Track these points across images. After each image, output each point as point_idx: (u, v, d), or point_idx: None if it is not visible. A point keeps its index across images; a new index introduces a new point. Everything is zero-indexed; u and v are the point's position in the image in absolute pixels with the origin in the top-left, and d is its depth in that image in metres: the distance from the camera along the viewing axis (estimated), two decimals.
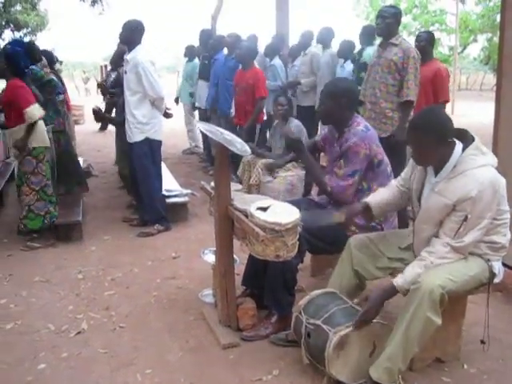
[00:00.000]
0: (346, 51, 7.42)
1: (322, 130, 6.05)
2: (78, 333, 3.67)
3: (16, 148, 5.21)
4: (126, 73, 5.55)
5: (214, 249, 3.89)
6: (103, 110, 7.00)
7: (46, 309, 4.06)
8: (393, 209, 3.48)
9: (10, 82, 5.24)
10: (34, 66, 6.04)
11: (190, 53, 10.49)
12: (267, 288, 3.55)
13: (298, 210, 3.19)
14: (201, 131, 8.04)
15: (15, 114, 5.19)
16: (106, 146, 11.76)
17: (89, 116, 16.23)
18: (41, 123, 5.32)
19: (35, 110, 5.19)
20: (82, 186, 6.76)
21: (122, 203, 6.88)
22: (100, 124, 14.95)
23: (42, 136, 5.33)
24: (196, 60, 10.05)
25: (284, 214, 3.12)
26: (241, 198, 3.49)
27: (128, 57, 5.51)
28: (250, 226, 3.05)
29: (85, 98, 20.02)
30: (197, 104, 9.27)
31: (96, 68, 45.04)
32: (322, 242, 3.59)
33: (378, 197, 3.34)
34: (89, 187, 6.96)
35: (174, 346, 3.47)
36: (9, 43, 5.63)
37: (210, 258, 4.03)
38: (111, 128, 14.66)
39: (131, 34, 5.51)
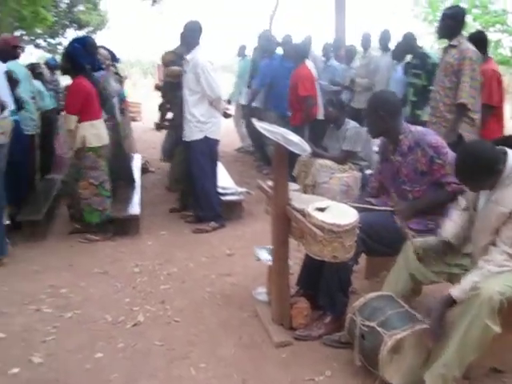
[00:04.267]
0: (401, 53, 7.29)
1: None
2: (135, 325, 3.76)
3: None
4: (185, 72, 5.63)
5: (269, 247, 3.91)
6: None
7: (103, 300, 4.16)
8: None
9: (74, 80, 5.40)
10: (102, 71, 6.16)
11: (242, 52, 10.61)
12: (322, 288, 3.55)
13: (356, 212, 3.19)
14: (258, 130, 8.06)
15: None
16: (161, 142, 11.91)
17: (146, 113, 16.57)
18: (100, 122, 5.46)
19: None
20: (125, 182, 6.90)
21: (176, 199, 6.93)
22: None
23: (102, 134, 5.48)
24: (247, 59, 10.14)
25: (343, 215, 3.13)
26: (298, 198, 3.50)
27: (188, 57, 5.60)
28: (308, 226, 3.06)
29: (143, 94, 20.29)
30: (243, 103, 9.35)
31: (153, 66, 45.73)
32: (379, 244, 3.56)
33: (451, 228, 3.26)
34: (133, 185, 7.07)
35: (227, 342, 3.51)
36: (69, 42, 5.79)
37: (264, 256, 4.05)
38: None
39: (191, 35, 5.60)
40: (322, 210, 3.17)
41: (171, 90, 6.33)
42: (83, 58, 5.44)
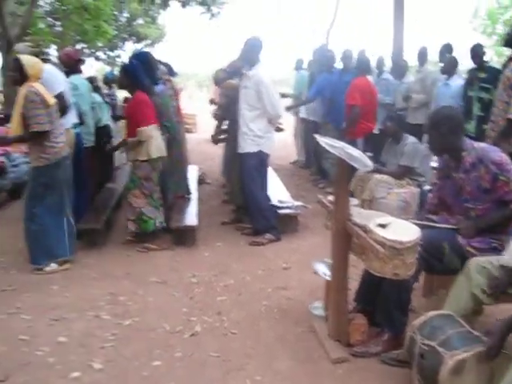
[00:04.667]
0: (451, 67, 7.16)
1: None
2: (192, 335, 3.79)
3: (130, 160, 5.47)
4: (245, 88, 5.68)
5: (327, 262, 3.89)
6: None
7: (161, 309, 4.21)
8: None
9: (134, 96, 5.53)
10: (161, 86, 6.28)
11: (299, 66, 10.66)
12: (380, 306, 3.51)
13: (418, 229, 3.14)
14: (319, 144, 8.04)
15: (132, 127, 5.47)
16: (217, 154, 12.00)
17: (201, 125, 16.79)
18: (158, 135, 5.56)
19: (148, 131, 5.44)
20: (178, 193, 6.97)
21: (232, 211, 6.97)
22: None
23: (160, 146, 5.58)
24: (303, 73, 10.18)
25: (404, 232, 3.09)
26: (359, 214, 3.47)
27: (250, 73, 5.65)
28: (370, 242, 3.04)
29: (198, 107, 20.57)
30: (306, 116, 9.37)
31: (209, 79, 46.27)
32: (440, 263, 3.50)
33: None
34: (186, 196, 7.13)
35: (283, 356, 3.50)
36: (128, 58, 5.94)
37: (323, 271, 4.02)
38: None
39: (252, 51, 5.66)
40: (383, 226, 3.14)
41: (229, 104, 6.39)
42: (141, 75, 5.56)
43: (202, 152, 11.82)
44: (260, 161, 5.77)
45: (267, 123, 5.69)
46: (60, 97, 5.41)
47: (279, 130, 6.34)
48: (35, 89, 4.78)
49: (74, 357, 3.50)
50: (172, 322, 3.98)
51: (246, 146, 5.72)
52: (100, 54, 34.65)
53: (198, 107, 19.86)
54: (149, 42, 39.70)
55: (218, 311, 4.15)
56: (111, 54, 37.71)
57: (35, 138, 4.81)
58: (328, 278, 3.76)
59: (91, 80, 7.92)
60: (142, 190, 5.54)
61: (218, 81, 6.83)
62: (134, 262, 5.28)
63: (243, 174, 5.82)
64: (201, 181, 8.57)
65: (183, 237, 5.73)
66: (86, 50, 27.37)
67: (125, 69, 5.64)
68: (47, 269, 4.98)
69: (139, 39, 38.61)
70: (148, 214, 5.56)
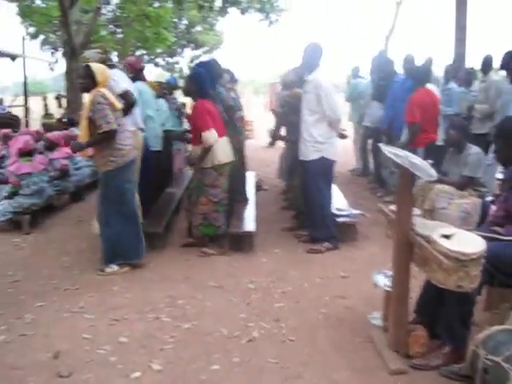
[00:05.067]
0: None
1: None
2: (249, 340, 3.80)
3: (191, 165, 5.53)
4: (305, 93, 5.69)
5: (387, 272, 3.85)
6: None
7: (219, 313, 4.25)
8: None
9: (196, 103, 5.61)
10: (221, 89, 6.35)
11: (355, 73, 10.60)
12: (442, 318, 3.45)
13: (483, 241, 3.08)
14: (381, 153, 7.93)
15: (195, 134, 5.55)
16: (274, 161, 12.04)
17: (258, 131, 16.88)
18: (225, 140, 5.62)
19: (211, 136, 5.48)
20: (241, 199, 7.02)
21: (291, 218, 7.01)
22: (270, 140, 15.44)
23: (227, 152, 5.63)
24: (360, 80, 10.12)
25: (469, 243, 3.03)
26: (422, 224, 3.43)
27: (309, 78, 5.66)
28: (433, 253, 2.99)
29: (255, 113, 20.70)
30: (368, 124, 9.28)
31: (265, 86, 46.52)
32: (505, 276, 3.42)
33: None
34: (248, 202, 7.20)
35: (341, 366, 3.48)
36: (194, 66, 6.04)
37: (382, 281, 3.98)
38: (278, 144, 15.11)
39: (312, 57, 5.67)
40: (447, 237, 3.09)
41: (290, 111, 6.40)
42: (206, 83, 5.65)
43: (259, 158, 11.90)
44: (323, 167, 5.72)
45: (328, 128, 5.66)
46: (126, 94, 5.55)
47: (343, 136, 6.28)
48: (102, 93, 4.93)
49: (135, 357, 3.58)
50: (229, 326, 4.01)
51: (308, 152, 5.70)
52: (159, 60, 35.30)
53: (254, 114, 20.00)
54: (207, 48, 40.26)
55: (276, 318, 4.15)
56: (170, 60, 38.38)
57: (106, 138, 4.93)
58: (388, 289, 3.72)
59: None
60: (208, 198, 5.59)
61: (287, 84, 6.84)
62: (192, 266, 5.35)
63: (307, 181, 5.80)
64: (258, 187, 8.61)
65: (241, 242, 5.77)
66: (146, 57, 27.93)
67: (191, 76, 5.73)
68: (108, 270, 5.10)
69: (197, 46, 39.22)
70: (213, 220, 5.62)
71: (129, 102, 5.54)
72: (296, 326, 4.03)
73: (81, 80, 5.12)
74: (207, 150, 5.49)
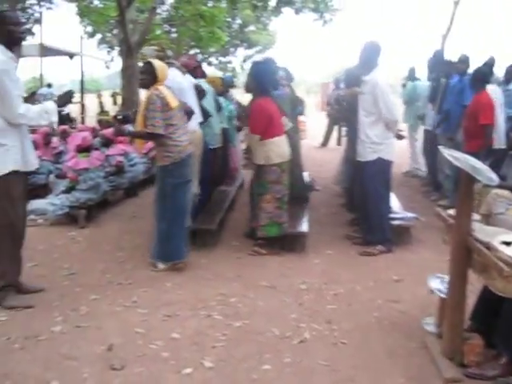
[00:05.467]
0: None
1: None
2: (301, 341, 3.78)
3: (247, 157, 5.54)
4: (362, 93, 5.63)
5: (443, 277, 3.77)
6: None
7: (270, 313, 4.25)
8: None
9: (256, 100, 5.62)
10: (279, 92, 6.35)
11: (412, 75, 10.43)
12: (500, 327, 3.34)
13: None
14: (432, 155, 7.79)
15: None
16: (327, 161, 12.03)
17: (309, 131, 16.83)
18: (282, 139, 5.62)
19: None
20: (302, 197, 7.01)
21: (343, 220, 6.97)
22: (322, 140, 15.43)
23: (283, 151, 5.62)
24: (418, 82, 9.96)
25: None
26: (481, 230, 3.35)
27: (366, 78, 5.60)
28: (493, 260, 2.91)
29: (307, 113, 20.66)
30: (425, 126, 9.12)
31: (318, 85, 46.39)
32: None
33: None
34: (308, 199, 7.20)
35: (394, 372, 3.42)
36: (254, 64, 6.04)
37: (438, 287, 3.90)
38: (331, 145, 15.08)
39: (370, 56, 5.60)
40: (508, 244, 3.00)
41: (350, 110, 6.33)
42: (267, 80, 5.66)
43: (311, 158, 11.84)
44: (381, 168, 5.66)
45: (384, 129, 5.59)
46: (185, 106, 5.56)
47: (400, 137, 6.19)
48: (159, 91, 4.99)
49: (187, 353, 3.60)
50: (281, 327, 3.99)
51: (365, 154, 5.65)
52: (212, 59, 35.57)
53: (306, 114, 19.94)
54: (259, 48, 40.39)
55: (328, 319, 4.12)
56: (223, 59, 38.64)
57: (149, 138, 5.08)
58: (443, 295, 3.65)
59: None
60: (272, 195, 5.59)
61: (349, 81, 6.79)
62: (244, 265, 5.36)
63: (364, 182, 5.74)
64: (310, 187, 8.57)
65: (293, 243, 5.75)
66: (199, 56, 28.18)
67: (252, 73, 5.75)
68: (161, 266, 5.16)
69: (250, 45, 39.40)
70: (275, 218, 5.61)
71: (201, 91, 5.55)
72: (348, 328, 3.99)
73: (142, 76, 5.19)
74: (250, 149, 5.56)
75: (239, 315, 4.20)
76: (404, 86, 10.73)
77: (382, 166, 5.66)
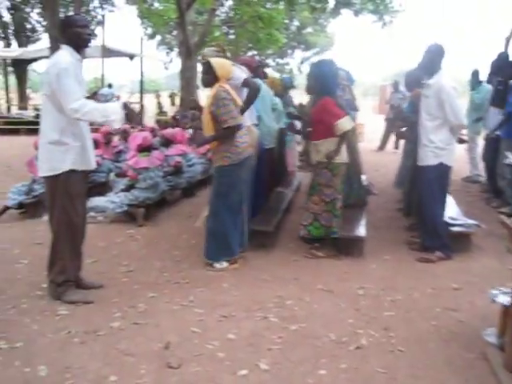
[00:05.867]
0: None
1: None
2: (357, 347, 3.73)
3: (328, 158, 5.48)
4: (426, 97, 5.53)
5: (505, 288, 3.67)
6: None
7: (327, 317, 4.21)
8: None
9: (321, 101, 5.59)
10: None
11: (475, 78, 10.16)
12: None
13: None
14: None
15: (323, 128, 5.51)
16: (383, 165, 11.90)
17: (367, 134, 16.68)
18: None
19: (346, 122, 5.45)
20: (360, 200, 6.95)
21: (400, 224, 6.88)
22: (379, 144, 15.27)
23: (342, 152, 5.57)
24: (483, 85, 9.71)
25: None
26: None
27: (430, 82, 5.49)
28: None
29: (364, 116, 20.47)
30: (487, 132, 8.89)
31: (375, 87, 45.92)
32: None
33: None
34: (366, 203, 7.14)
35: (452, 383, 3.33)
36: (316, 64, 6.02)
37: (500, 298, 3.78)
38: (388, 148, 14.90)
39: (433, 59, 5.49)
40: None
41: (414, 112, 6.22)
42: (330, 81, 5.64)
43: (368, 162, 11.71)
44: (441, 174, 5.54)
45: (449, 134, 5.47)
46: (247, 82, 5.52)
47: (462, 141, 6.05)
48: (224, 88, 5.06)
49: (242, 355, 3.61)
50: (337, 332, 3.96)
51: (426, 158, 5.54)
52: (269, 61, 35.68)
53: (363, 116, 19.76)
54: (317, 50, 40.31)
55: (385, 326, 4.06)
56: (280, 61, 38.71)
57: (229, 133, 5.07)
58: (507, 305, 3.54)
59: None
60: (321, 197, 5.57)
61: (410, 84, 6.70)
62: (300, 268, 5.35)
63: (422, 187, 5.63)
64: (367, 191, 8.48)
65: (351, 247, 5.69)
66: (257, 57, 28.36)
67: (315, 74, 5.73)
68: (218, 266, 5.20)
69: (308, 47, 39.36)
70: (323, 221, 5.58)
71: (253, 88, 5.54)
72: (406, 336, 3.92)
73: (203, 75, 5.29)
74: (343, 137, 5.49)
75: (295, 318, 4.18)
76: (473, 89, 10.39)
77: (443, 172, 5.55)
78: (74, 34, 4.28)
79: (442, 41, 5.68)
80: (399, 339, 3.87)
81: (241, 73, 5.64)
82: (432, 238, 5.63)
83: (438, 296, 4.69)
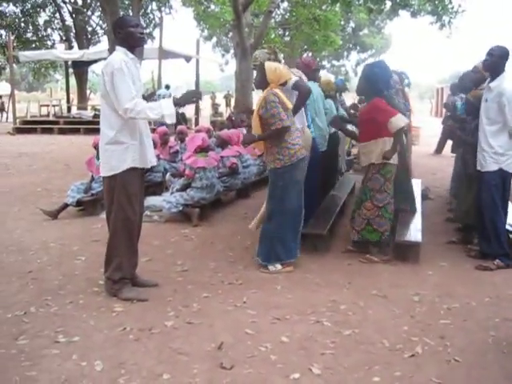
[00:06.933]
0: None
1: None
2: (412, 355, 3.65)
3: (384, 158, 5.43)
4: (486, 101, 5.40)
5: None
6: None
7: (381, 323, 4.15)
8: None
9: (372, 101, 5.55)
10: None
11: None
12: None
13: None
14: None
15: (373, 128, 5.47)
16: (440, 169, 11.67)
17: (423, 138, 16.39)
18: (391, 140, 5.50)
19: (399, 119, 5.40)
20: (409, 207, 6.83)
21: (456, 231, 6.71)
22: (436, 147, 14.99)
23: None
24: None
25: None
26: None
27: (491, 85, 5.36)
28: None
29: (420, 119, 20.12)
30: None
31: (431, 90, 45.14)
32: None
33: None
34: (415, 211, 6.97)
35: None
36: (368, 66, 5.97)
37: None
38: (445, 152, 14.60)
39: (497, 62, 5.35)
40: None
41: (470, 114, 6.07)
42: (381, 82, 5.59)
43: (424, 166, 11.54)
44: (501, 180, 5.43)
45: (508, 139, 5.33)
46: (297, 84, 5.49)
47: None
48: (274, 91, 5.07)
49: (295, 358, 3.59)
50: (391, 338, 3.89)
51: (486, 163, 5.42)
52: (325, 63, 35.60)
53: (419, 119, 19.45)
54: (373, 51, 39.95)
55: (441, 335, 3.97)
56: (336, 63, 38.53)
57: (277, 134, 5.08)
58: None
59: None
60: (374, 203, 5.54)
61: (465, 86, 6.55)
62: (354, 272, 5.30)
63: (481, 193, 5.51)
64: (424, 196, 8.33)
65: (406, 252, 5.60)
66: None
67: (366, 76, 5.68)
68: (272, 268, 5.21)
69: (364, 49, 39.06)
70: (375, 225, 5.55)
71: (303, 91, 5.53)
72: (462, 346, 3.81)
73: (255, 78, 5.36)
74: (399, 135, 5.46)
75: (349, 323, 4.14)
76: None
77: (502, 178, 5.43)
78: (126, 34, 4.37)
79: (501, 41, 5.53)
80: (455, 349, 3.77)
81: (292, 75, 5.64)
82: (491, 246, 5.49)
83: (496, 305, 4.56)
